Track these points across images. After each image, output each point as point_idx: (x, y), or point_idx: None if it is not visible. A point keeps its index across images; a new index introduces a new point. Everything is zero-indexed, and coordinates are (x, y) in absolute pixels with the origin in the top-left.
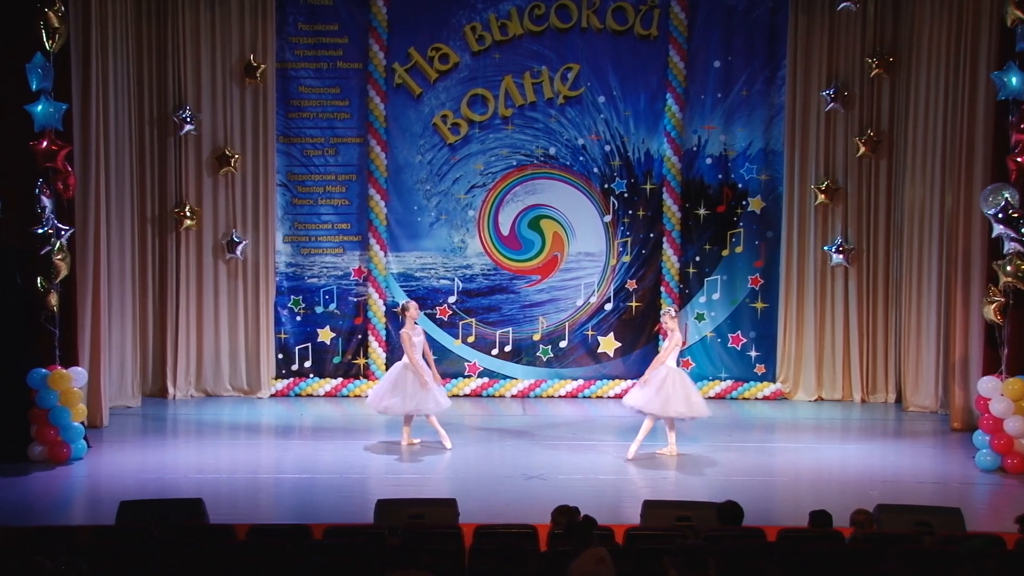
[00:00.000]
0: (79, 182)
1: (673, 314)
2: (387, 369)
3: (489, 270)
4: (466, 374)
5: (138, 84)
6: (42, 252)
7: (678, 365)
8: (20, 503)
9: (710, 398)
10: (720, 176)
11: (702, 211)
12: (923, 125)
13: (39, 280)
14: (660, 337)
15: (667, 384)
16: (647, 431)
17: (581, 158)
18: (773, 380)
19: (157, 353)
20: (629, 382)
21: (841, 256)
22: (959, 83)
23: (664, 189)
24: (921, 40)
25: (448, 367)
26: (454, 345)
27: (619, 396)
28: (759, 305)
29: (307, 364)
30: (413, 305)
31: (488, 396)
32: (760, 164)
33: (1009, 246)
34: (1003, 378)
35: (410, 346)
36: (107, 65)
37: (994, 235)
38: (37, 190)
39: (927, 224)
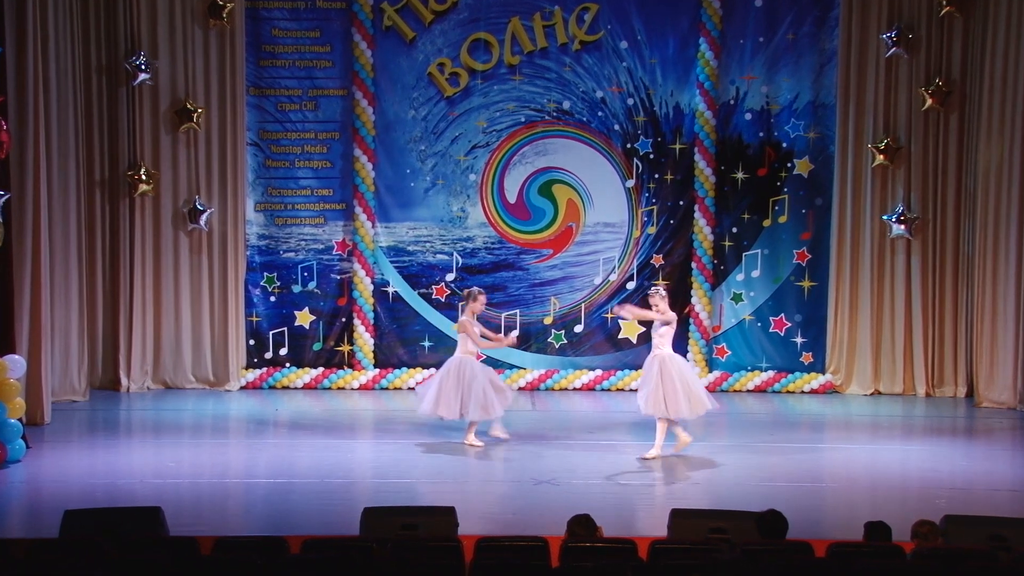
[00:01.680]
0: (14, 140)
1: (663, 293)
2: (375, 358)
3: (493, 243)
4: None
5: (83, 25)
6: None
7: (711, 354)
8: None
9: (749, 391)
10: (761, 134)
11: (740, 175)
12: (1001, 73)
13: None
14: (690, 320)
15: (664, 379)
16: (664, 429)
17: (600, 113)
18: (822, 371)
19: (108, 339)
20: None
21: (903, 227)
22: None
23: (696, 149)
24: None
25: (445, 355)
26: (453, 330)
27: None
28: (806, 284)
29: (283, 352)
30: (483, 296)
31: None
32: (808, 120)
33: None
34: None
35: (472, 332)
36: (46, 2)
37: None
38: None
39: (1005, 189)
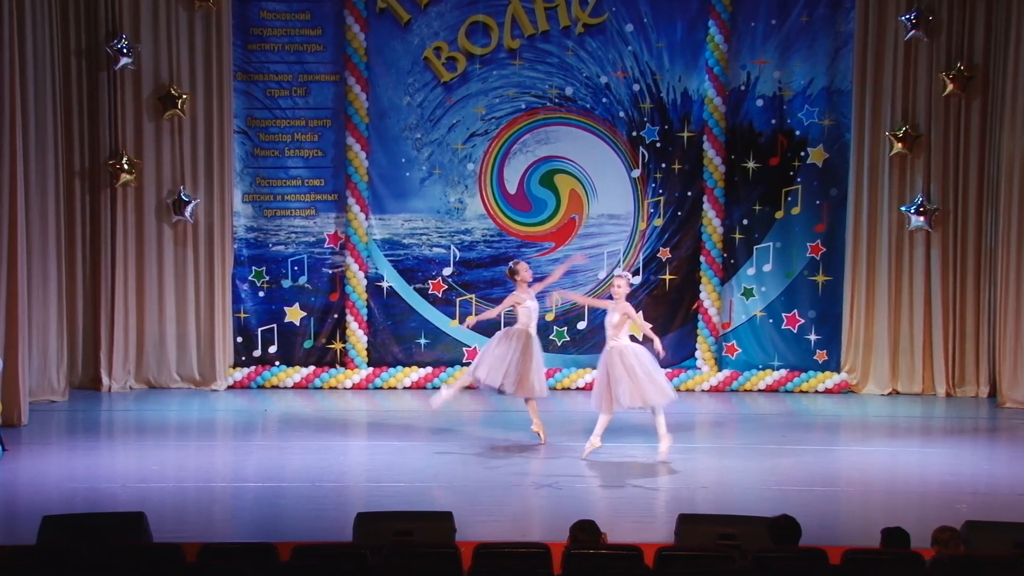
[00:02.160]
0: None
1: (631, 279)
2: (368, 356)
3: (492, 236)
4: (465, 361)
5: (62, 6)
6: None
7: (721, 351)
8: None
9: (760, 391)
10: (773, 121)
11: (751, 164)
12: None
13: None
14: (699, 317)
15: (628, 370)
16: (663, 421)
17: (604, 100)
18: (837, 369)
19: (88, 336)
20: (664, 371)
21: (922, 219)
22: None
23: (705, 137)
24: None
25: (442, 353)
26: (450, 327)
27: None
28: (820, 278)
29: (272, 349)
30: (522, 264)
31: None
32: (823, 106)
33: None
34: None
35: (509, 302)
36: None
37: None
38: None
39: None
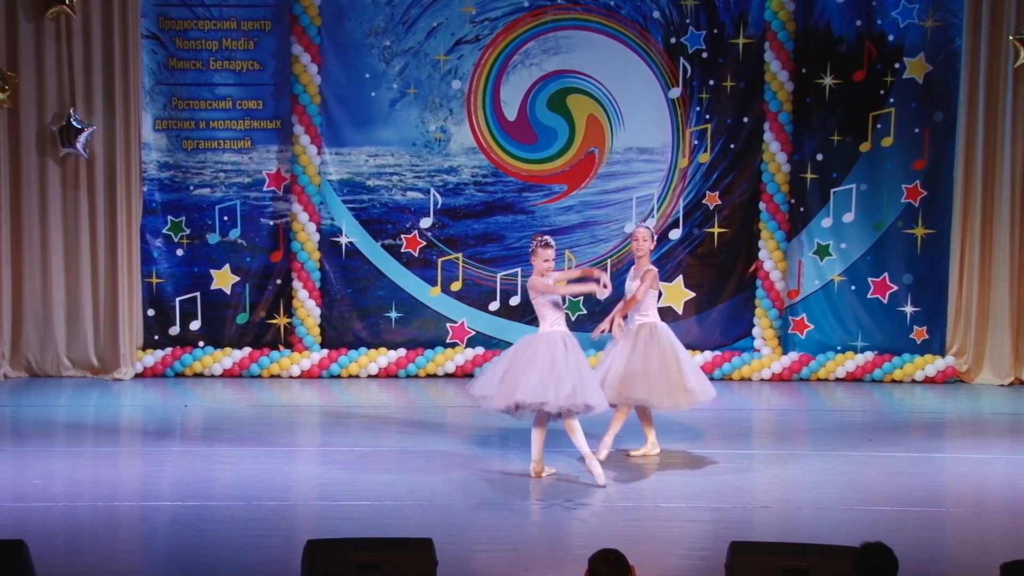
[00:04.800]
0: None
1: (648, 233)
2: (322, 335)
3: (485, 176)
4: (449, 341)
5: None
6: None
7: (787, 328)
8: None
9: (838, 379)
10: (858, 23)
11: (828, 80)
12: None
13: None
14: (758, 283)
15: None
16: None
17: None
18: (942, 352)
19: None
20: (709, 354)
21: None
22: None
23: (767, 45)
24: None
25: (419, 330)
26: (430, 296)
27: None
28: (919, 231)
29: (194, 326)
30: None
31: None
32: (925, 2)
33: None
34: None
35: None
36: None
37: None
38: None
39: None
